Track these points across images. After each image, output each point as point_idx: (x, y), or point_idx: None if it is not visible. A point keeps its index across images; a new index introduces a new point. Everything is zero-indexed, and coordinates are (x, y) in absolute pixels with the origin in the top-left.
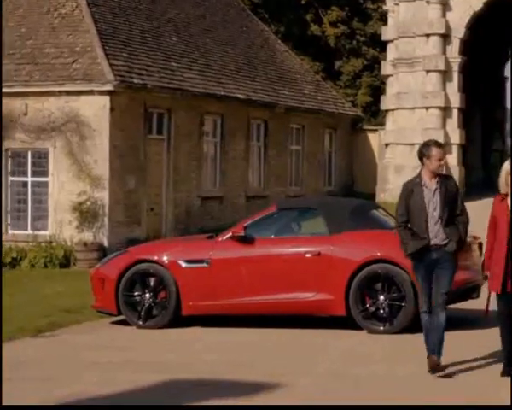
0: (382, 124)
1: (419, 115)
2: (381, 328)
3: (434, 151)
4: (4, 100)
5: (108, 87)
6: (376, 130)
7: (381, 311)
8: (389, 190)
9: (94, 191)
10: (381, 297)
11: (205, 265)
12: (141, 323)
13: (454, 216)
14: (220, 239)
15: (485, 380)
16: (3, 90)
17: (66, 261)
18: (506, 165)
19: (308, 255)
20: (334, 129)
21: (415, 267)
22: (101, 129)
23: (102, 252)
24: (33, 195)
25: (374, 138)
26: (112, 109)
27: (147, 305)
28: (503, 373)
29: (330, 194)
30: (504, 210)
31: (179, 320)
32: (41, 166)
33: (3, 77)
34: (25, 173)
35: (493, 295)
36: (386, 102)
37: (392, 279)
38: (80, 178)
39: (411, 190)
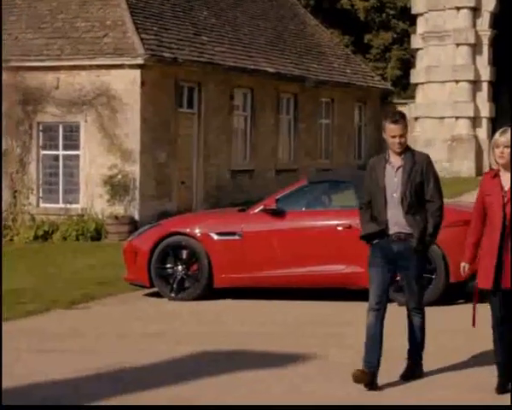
0: (412, 97)
1: (449, 89)
2: None
3: (387, 126)
4: (36, 74)
5: (139, 61)
6: (406, 103)
7: None
8: None
9: (125, 165)
10: None
11: (237, 237)
12: (173, 295)
13: (423, 202)
14: (252, 212)
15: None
16: (35, 63)
17: (97, 234)
18: (497, 136)
19: (339, 228)
20: (363, 102)
21: (370, 257)
22: (131, 103)
23: (133, 225)
24: (65, 168)
25: (403, 112)
26: (142, 83)
27: (179, 277)
28: (499, 389)
29: (360, 167)
30: (497, 188)
31: (211, 292)
32: (72, 140)
33: (35, 51)
34: (56, 147)
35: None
36: (416, 76)
37: None
38: (111, 151)
39: (373, 166)
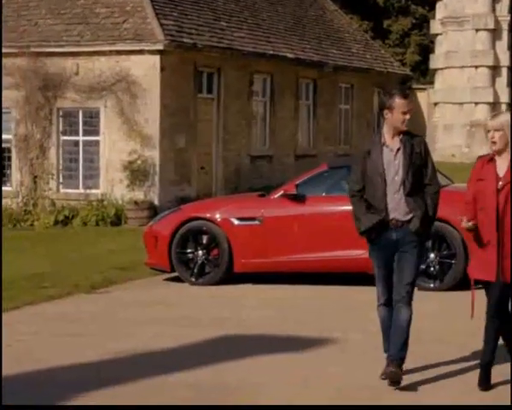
0: (431, 83)
1: (468, 74)
2: (431, 285)
3: (398, 101)
4: (55, 60)
5: (159, 46)
6: (425, 89)
7: (432, 268)
8: (438, 150)
9: (144, 150)
10: (432, 255)
11: (257, 222)
12: (193, 280)
13: (421, 185)
14: (272, 197)
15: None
16: (54, 49)
17: (117, 220)
18: (488, 120)
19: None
20: (382, 88)
21: (370, 250)
22: (151, 88)
23: (153, 210)
24: (85, 154)
25: (422, 97)
26: (162, 69)
27: (199, 262)
28: (481, 385)
29: None
30: (492, 174)
31: (231, 277)
32: (92, 126)
33: (55, 36)
34: (76, 132)
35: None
36: (435, 61)
37: (443, 237)
38: (131, 137)
39: (368, 150)
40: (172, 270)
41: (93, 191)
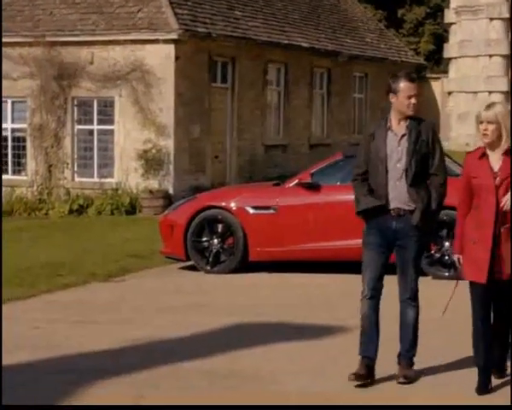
0: (445, 72)
1: (482, 63)
2: (446, 274)
3: (403, 85)
4: (70, 49)
5: (173, 36)
6: (439, 78)
7: (446, 257)
8: (452, 138)
9: (159, 139)
10: (446, 244)
11: (272, 211)
12: (209, 268)
13: (426, 175)
14: (287, 186)
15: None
16: (69, 38)
17: (131, 209)
18: (481, 110)
19: None
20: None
21: (365, 236)
22: (166, 77)
23: (168, 199)
24: (99, 143)
25: (437, 86)
26: (177, 58)
27: (215, 250)
28: (480, 389)
29: None
30: (486, 170)
31: (246, 266)
32: (107, 115)
33: (69, 26)
34: (91, 122)
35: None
36: (450, 50)
37: None
38: (145, 126)
39: (372, 133)
40: (188, 258)
41: (108, 180)
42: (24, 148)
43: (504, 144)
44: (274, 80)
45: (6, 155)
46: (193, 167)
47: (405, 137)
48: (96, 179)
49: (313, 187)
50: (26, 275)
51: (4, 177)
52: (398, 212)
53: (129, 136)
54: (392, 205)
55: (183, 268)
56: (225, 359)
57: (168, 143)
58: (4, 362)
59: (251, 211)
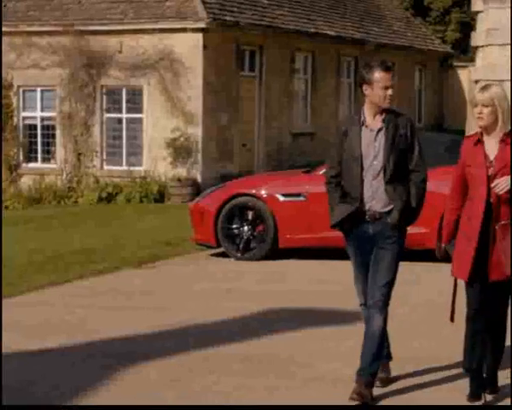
0: (472, 60)
1: (509, 52)
2: None
3: (379, 75)
4: (99, 38)
5: (201, 25)
6: (466, 66)
7: None
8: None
9: (187, 128)
10: None
11: (302, 198)
12: (239, 255)
13: (405, 172)
14: (316, 173)
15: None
16: (98, 27)
17: (160, 197)
18: (476, 93)
19: None
20: (423, 66)
21: (346, 245)
22: (194, 66)
23: (196, 187)
24: (128, 131)
25: (463, 75)
26: (205, 47)
27: (245, 237)
28: (473, 396)
29: (420, 130)
30: (480, 158)
31: (276, 253)
32: (135, 103)
33: (98, 15)
34: (120, 110)
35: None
36: (476, 39)
37: None
38: (174, 114)
39: (345, 130)
40: (218, 245)
41: (136, 168)
42: (53, 136)
43: (501, 129)
44: (301, 69)
45: (36, 143)
46: (221, 156)
47: (382, 132)
48: (124, 167)
49: None
50: (59, 261)
51: (34, 165)
52: (374, 215)
53: (157, 124)
54: (368, 206)
55: (214, 255)
56: (259, 343)
57: (196, 132)
58: (42, 346)
59: (281, 198)
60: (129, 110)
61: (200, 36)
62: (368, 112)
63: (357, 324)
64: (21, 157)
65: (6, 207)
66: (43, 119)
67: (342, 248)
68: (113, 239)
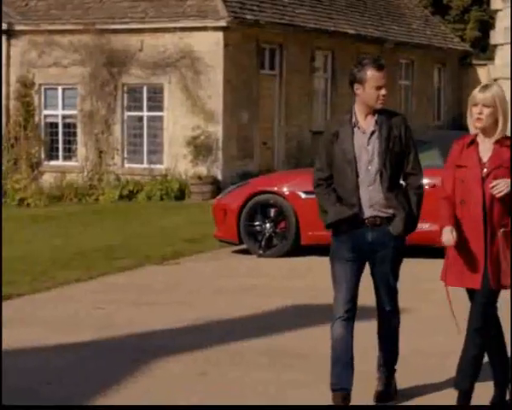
0: (491, 59)
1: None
2: None
3: (371, 74)
4: (120, 36)
5: (222, 23)
6: (485, 64)
7: None
8: None
9: (208, 126)
10: None
11: None
12: (261, 252)
13: (402, 175)
14: None
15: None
16: (119, 26)
17: (180, 194)
18: (476, 92)
19: (425, 187)
20: (442, 64)
21: (334, 249)
22: (214, 64)
23: (216, 185)
24: (149, 129)
25: (483, 73)
26: (225, 45)
27: (267, 234)
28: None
29: (439, 128)
30: (473, 159)
31: (298, 250)
32: (156, 101)
33: (119, 13)
34: (140, 108)
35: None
36: (496, 37)
37: None
38: (194, 112)
39: (335, 132)
40: (241, 242)
41: (157, 166)
42: (74, 134)
43: (500, 133)
44: (321, 67)
45: (57, 141)
46: (241, 154)
47: (375, 135)
48: (145, 165)
49: None
50: (82, 258)
51: (55, 163)
52: (374, 221)
53: (178, 122)
54: (367, 214)
55: (236, 252)
56: (283, 338)
57: (217, 130)
58: (70, 340)
59: (303, 195)
60: (150, 108)
61: (220, 34)
62: (359, 112)
63: (371, 320)
64: (43, 155)
65: (28, 205)
66: (64, 117)
67: None
68: (136, 236)
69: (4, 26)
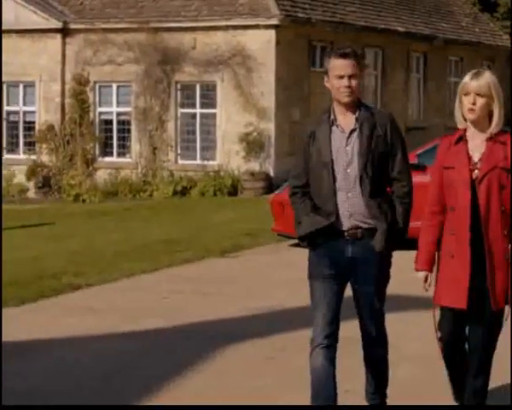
0: None
1: None
2: None
3: (332, 62)
4: (173, 34)
5: (274, 21)
6: None
7: None
8: None
9: (260, 122)
10: None
11: None
12: None
13: (386, 180)
14: None
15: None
16: (173, 24)
17: (233, 190)
18: (467, 80)
19: None
20: (491, 61)
21: (311, 265)
22: (266, 62)
23: (268, 181)
24: (202, 126)
25: None
26: (277, 43)
27: None
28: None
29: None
30: (462, 158)
31: None
32: (209, 99)
33: (173, 12)
34: (193, 105)
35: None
36: None
37: None
38: (247, 109)
39: (311, 132)
40: None
41: (210, 163)
42: (129, 131)
43: (495, 127)
44: (371, 64)
45: (111, 137)
46: (293, 150)
47: (355, 134)
48: (198, 162)
49: (418, 168)
50: (145, 251)
51: (109, 159)
52: (355, 234)
53: (230, 119)
54: (346, 224)
55: (294, 245)
56: (345, 326)
57: (269, 127)
58: (140, 328)
59: None
60: (203, 105)
61: (272, 32)
62: (337, 109)
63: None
64: (97, 151)
65: (83, 201)
66: (118, 114)
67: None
68: (195, 230)
69: (59, 25)
